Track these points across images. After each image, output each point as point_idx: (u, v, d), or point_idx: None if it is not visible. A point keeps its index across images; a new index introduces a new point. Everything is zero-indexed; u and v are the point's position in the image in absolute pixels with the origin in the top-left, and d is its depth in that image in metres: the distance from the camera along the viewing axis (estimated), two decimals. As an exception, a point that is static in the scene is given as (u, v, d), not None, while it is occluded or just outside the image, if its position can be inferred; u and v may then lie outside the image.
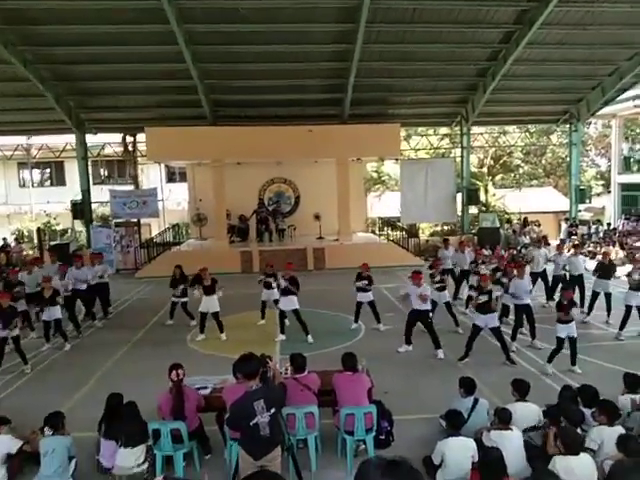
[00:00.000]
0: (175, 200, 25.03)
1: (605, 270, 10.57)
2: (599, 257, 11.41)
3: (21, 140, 23.93)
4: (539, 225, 21.08)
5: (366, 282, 10.08)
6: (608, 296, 10.51)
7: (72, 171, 23.43)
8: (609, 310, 10.44)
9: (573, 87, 19.66)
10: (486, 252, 14.55)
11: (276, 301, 10.38)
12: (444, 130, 25.44)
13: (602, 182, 30.68)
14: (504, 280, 9.50)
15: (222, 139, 17.74)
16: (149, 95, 18.76)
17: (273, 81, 17.75)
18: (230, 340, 9.84)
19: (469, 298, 11.58)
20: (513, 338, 9.04)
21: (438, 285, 10.00)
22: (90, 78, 17.58)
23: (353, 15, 14.48)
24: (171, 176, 27.37)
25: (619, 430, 4.83)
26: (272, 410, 4.11)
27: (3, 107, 18.93)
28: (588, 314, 10.59)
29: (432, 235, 23.32)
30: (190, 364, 6.41)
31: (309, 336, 9.63)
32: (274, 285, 10.35)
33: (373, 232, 22.55)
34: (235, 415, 4.18)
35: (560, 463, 4.37)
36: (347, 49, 16.03)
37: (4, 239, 20.66)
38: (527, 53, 16.71)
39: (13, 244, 20.69)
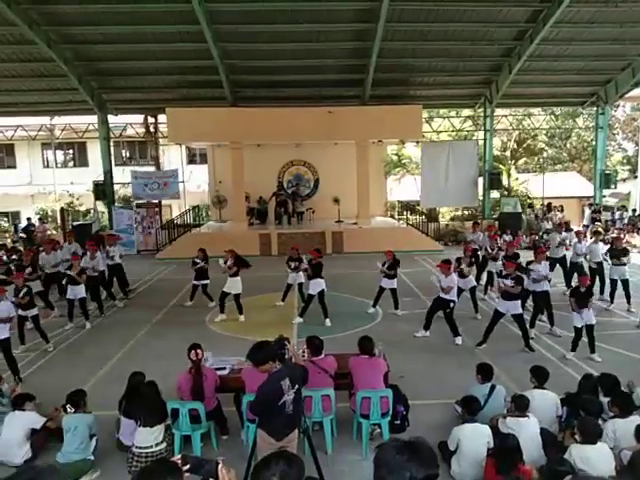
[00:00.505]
0: (195, 182, 25.15)
1: (618, 256, 10.39)
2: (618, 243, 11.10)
3: (45, 120, 24.22)
4: (562, 210, 20.69)
5: (386, 267, 10.08)
6: (625, 282, 10.35)
7: (94, 152, 23.69)
8: (628, 297, 10.28)
9: (602, 68, 19.07)
10: (507, 237, 14.39)
11: (301, 284, 10.44)
12: (467, 112, 24.96)
13: (629, 167, 29.88)
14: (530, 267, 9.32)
15: (242, 120, 17.72)
16: (170, 75, 18.79)
17: (294, 61, 17.62)
18: (248, 322, 9.94)
19: (487, 284, 11.49)
20: (532, 325, 8.95)
21: (465, 270, 9.88)
22: (112, 58, 17.66)
23: (376, -7, 14.22)
24: (192, 158, 27.48)
25: (636, 420, 4.76)
26: (296, 387, 4.13)
27: (28, 87, 19.19)
28: (611, 302, 10.42)
29: (452, 219, 23.05)
30: (208, 345, 6.50)
31: (327, 319, 9.68)
32: (301, 268, 10.48)
33: (392, 216, 22.41)
34: (265, 397, 4.08)
35: (577, 452, 4.33)
36: (369, 28, 15.78)
37: (28, 219, 21.08)
38: (555, 32, 16.26)
39: (37, 224, 21.11)
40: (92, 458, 5.20)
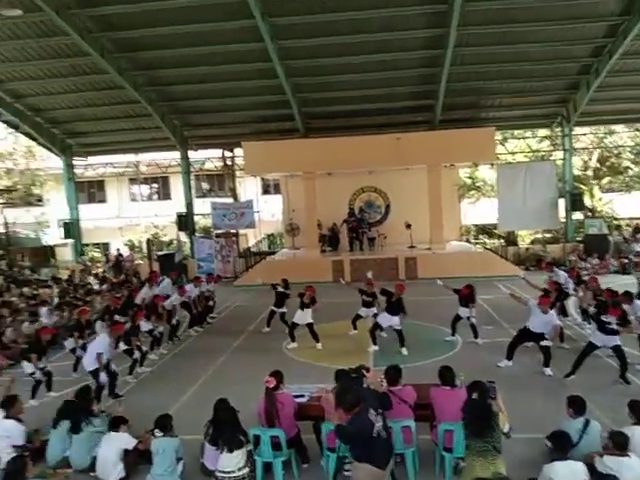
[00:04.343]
0: (270, 211, 25.89)
1: None
2: None
3: (131, 157, 26.02)
4: (654, 231, 19.30)
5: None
6: None
7: (177, 185, 25.16)
8: None
9: (693, 78, 17.86)
10: (594, 261, 13.64)
11: (375, 315, 10.30)
12: (543, 132, 24.11)
13: None
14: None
15: (313, 151, 18.17)
16: (245, 111, 19.70)
17: (363, 91, 17.95)
18: (324, 349, 9.96)
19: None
20: None
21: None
22: (192, 97, 18.84)
23: (444, 20, 14.30)
24: (266, 188, 28.38)
25: None
26: (379, 411, 4.16)
27: (116, 128, 20.79)
28: None
29: (532, 243, 22.12)
30: (285, 371, 6.54)
31: (404, 348, 9.51)
32: (374, 304, 10.35)
33: (468, 240, 21.86)
34: (358, 431, 4.12)
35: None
36: (438, 54, 15.82)
37: (117, 250, 22.55)
38: (637, 45, 15.49)
39: (126, 254, 22.53)
40: (179, 481, 5.38)
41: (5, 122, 20.56)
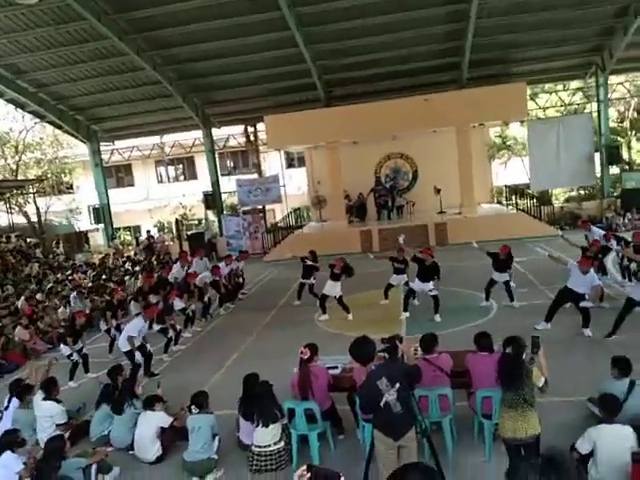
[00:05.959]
0: (295, 185, 25.72)
1: None
2: None
3: (156, 140, 26.12)
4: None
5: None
6: None
7: (202, 165, 25.18)
8: None
9: None
10: (633, 216, 13.05)
11: (406, 282, 10.14)
12: (576, 84, 23.02)
13: None
14: None
15: (337, 120, 17.78)
16: (265, 84, 19.37)
17: (385, 53, 17.44)
18: (356, 320, 9.88)
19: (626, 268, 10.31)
20: None
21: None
22: (210, 74, 18.64)
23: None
24: (290, 162, 28.17)
25: None
26: (397, 385, 3.99)
27: (139, 110, 20.82)
28: None
29: (567, 201, 21.41)
30: (318, 343, 6.48)
31: (437, 315, 9.33)
32: (406, 271, 10.19)
33: (499, 202, 21.30)
34: (363, 398, 4.17)
35: None
36: (462, 8, 15.12)
37: (148, 232, 22.84)
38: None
39: (157, 235, 22.82)
40: (216, 457, 5.39)
41: (31, 112, 20.79)
